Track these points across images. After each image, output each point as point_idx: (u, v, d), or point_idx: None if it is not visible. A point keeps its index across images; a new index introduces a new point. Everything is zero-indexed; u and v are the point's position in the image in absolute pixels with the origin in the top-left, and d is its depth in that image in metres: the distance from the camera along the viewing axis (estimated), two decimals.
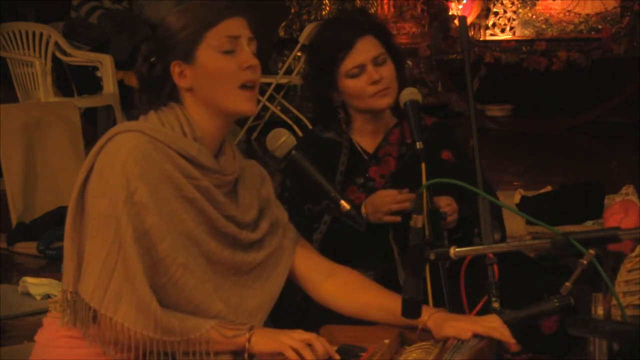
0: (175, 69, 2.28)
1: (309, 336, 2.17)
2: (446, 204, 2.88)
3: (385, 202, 2.90)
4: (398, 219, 2.87)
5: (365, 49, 3.01)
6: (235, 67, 2.27)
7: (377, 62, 3.01)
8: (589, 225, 5.11)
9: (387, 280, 2.76)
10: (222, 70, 2.27)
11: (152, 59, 2.31)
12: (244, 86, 2.29)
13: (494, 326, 2.16)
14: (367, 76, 3.00)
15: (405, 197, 2.87)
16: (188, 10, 2.30)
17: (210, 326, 2.17)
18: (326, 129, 3.13)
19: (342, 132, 3.10)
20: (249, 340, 2.17)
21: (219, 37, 2.27)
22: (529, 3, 9.36)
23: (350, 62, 3.01)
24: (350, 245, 2.93)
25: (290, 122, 8.32)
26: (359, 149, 3.10)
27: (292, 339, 2.16)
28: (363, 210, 2.94)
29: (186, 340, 2.15)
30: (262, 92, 8.30)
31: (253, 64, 2.29)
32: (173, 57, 2.28)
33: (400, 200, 2.86)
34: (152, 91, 2.31)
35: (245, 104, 2.30)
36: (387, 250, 2.98)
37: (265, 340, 2.17)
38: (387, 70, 3.02)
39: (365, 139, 3.10)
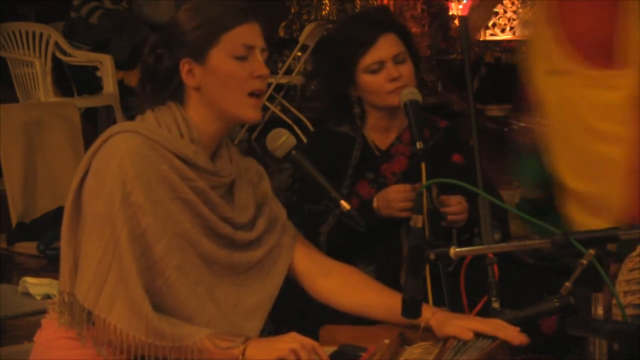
0: (185, 66, 2.27)
1: (302, 340, 2.16)
2: (457, 203, 2.90)
3: (400, 197, 2.91)
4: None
5: (387, 46, 3.05)
6: (246, 74, 2.27)
7: (397, 60, 3.05)
8: None
9: (388, 276, 2.77)
10: (232, 75, 2.26)
11: (159, 50, 2.30)
12: (252, 94, 2.29)
13: (498, 326, 2.16)
14: (386, 73, 3.03)
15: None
16: (202, 8, 2.29)
17: (205, 335, 2.14)
18: (340, 123, 3.16)
19: (356, 128, 3.13)
20: (243, 352, 2.14)
21: (233, 42, 2.26)
22: (529, 3, 9.36)
23: (370, 57, 3.04)
24: (357, 240, 2.94)
25: (290, 122, 8.32)
26: (372, 145, 3.13)
27: (287, 342, 2.14)
28: (375, 204, 2.97)
29: (178, 347, 2.13)
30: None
31: (264, 73, 2.29)
32: (183, 54, 2.26)
33: (414, 197, 2.87)
34: (157, 84, 2.30)
35: (250, 112, 2.29)
36: (389, 246, 2.99)
37: (260, 351, 2.13)
38: (406, 69, 3.06)
39: (379, 136, 3.13)
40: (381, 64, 3.03)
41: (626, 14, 3.59)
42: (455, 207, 2.90)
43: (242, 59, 2.27)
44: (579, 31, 3.26)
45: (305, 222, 2.94)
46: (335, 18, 9.75)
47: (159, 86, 2.30)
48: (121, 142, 2.20)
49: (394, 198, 2.93)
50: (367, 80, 3.05)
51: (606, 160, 3.14)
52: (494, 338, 2.15)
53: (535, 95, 3.34)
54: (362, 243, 2.98)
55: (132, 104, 2.37)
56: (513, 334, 2.14)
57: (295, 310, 2.95)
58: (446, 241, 2.85)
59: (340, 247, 2.86)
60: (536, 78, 3.40)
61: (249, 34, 2.28)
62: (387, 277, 2.73)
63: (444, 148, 3.09)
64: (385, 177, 3.08)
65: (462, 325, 2.18)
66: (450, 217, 2.91)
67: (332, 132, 3.15)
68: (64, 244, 2.23)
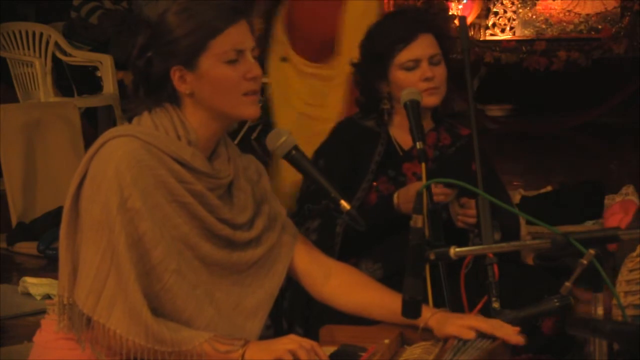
0: (176, 73, 2.25)
1: (301, 341, 2.16)
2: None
3: None
4: None
5: (425, 46, 3.07)
6: (239, 76, 2.25)
7: (432, 61, 3.07)
8: (589, 225, 5.11)
9: (394, 274, 2.76)
10: (225, 80, 2.24)
11: (149, 54, 2.27)
12: (246, 94, 2.28)
13: (497, 324, 2.16)
14: (420, 72, 3.05)
15: (442, 190, 2.89)
16: (191, 12, 2.25)
17: (204, 339, 2.14)
18: (366, 117, 3.17)
19: (382, 124, 3.15)
20: (242, 356, 2.14)
21: (223, 47, 2.23)
22: (529, 3, 9.35)
23: (407, 54, 3.06)
24: (374, 231, 2.93)
25: None
26: (396, 143, 3.14)
27: (285, 344, 2.14)
28: (395, 200, 2.98)
29: (178, 352, 2.13)
30: (262, 92, 8.28)
31: (257, 74, 2.27)
32: (174, 62, 2.24)
33: (437, 193, 2.88)
34: (150, 88, 2.28)
35: (249, 109, 2.29)
36: (396, 244, 2.99)
37: (259, 353, 2.14)
38: (440, 71, 3.08)
39: (403, 135, 3.13)
40: (417, 63, 3.05)
41: (345, 13, 4.42)
42: (475, 210, 2.91)
43: (233, 62, 2.25)
44: (302, 28, 3.78)
45: (322, 212, 2.97)
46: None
47: (152, 90, 2.28)
48: (118, 147, 2.19)
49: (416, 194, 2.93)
50: (400, 76, 3.06)
51: (317, 135, 3.58)
52: (494, 338, 2.15)
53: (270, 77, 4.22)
54: (378, 237, 2.99)
55: (126, 106, 2.36)
56: (510, 333, 2.14)
57: (301, 310, 2.96)
58: (459, 243, 2.85)
59: (356, 239, 2.88)
60: (272, 63, 4.24)
61: (238, 35, 2.26)
62: (394, 276, 2.73)
63: (465, 155, 3.10)
64: (406, 176, 3.09)
65: (462, 324, 2.18)
66: (470, 220, 2.93)
67: (357, 125, 3.17)
68: (62, 249, 2.22)
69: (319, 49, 4.82)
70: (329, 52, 4.98)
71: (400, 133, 3.14)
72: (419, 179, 3.07)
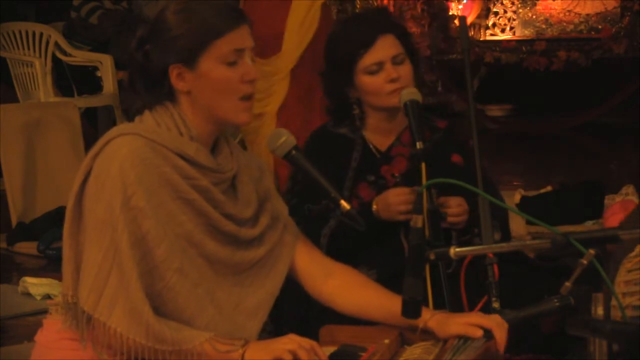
0: (174, 71, 2.25)
1: (301, 341, 2.16)
2: (457, 204, 2.90)
3: (400, 200, 2.91)
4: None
5: (386, 47, 3.04)
6: (237, 79, 2.26)
7: (395, 61, 3.05)
8: (589, 225, 5.10)
9: (390, 280, 2.76)
10: (224, 81, 2.25)
11: (147, 46, 2.27)
12: (243, 98, 2.28)
13: (497, 322, 2.16)
14: (385, 74, 3.03)
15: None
16: (191, 12, 2.25)
17: (204, 339, 2.15)
18: (339, 124, 3.15)
19: (355, 129, 3.13)
20: (242, 356, 2.14)
21: (224, 48, 2.24)
22: (529, 3, 9.35)
23: (369, 58, 3.03)
24: (357, 242, 2.93)
25: None
26: (371, 147, 3.13)
27: (285, 344, 2.15)
28: (374, 207, 2.97)
29: (178, 351, 2.13)
30: None
31: (254, 77, 2.28)
32: (173, 59, 2.24)
33: (413, 199, 2.86)
34: (148, 83, 2.28)
35: (242, 115, 2.29)
36: (390, 249, 2.98)
37: (259, 353, 2.14)
38: (405, 70, 3.05)
39: (378, 138, 3.12)
40: (380, 65, 3.03)
41: (290, 13, 4.75)
42: (455, 208, 2.90)
43: (232, 64, 2.25)
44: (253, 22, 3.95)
45: (305, 223, 2.94)
46: (335, 18, 9.74)
47: (150, 86, 2.28)
48: (122, 145, 2.19)
49: (393, 201, 2.92)
50: (366, 81, 3.04)
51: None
52: (489, 337, 2.15)
53: None
54: (363, 246, 2.98)
55: (122, 99, 2.36)
56: (500, 338, 2.14)
57: (296, 313, 2.95)
58: (446, 242, 2.84)
59: (341, 250, 2.86)
60: None
61: (239, 37, 2.26)
62: (389, 281, 2.72)
63: (443, 148, 3.09)
64: (385, 179, 3.07)
65: (464, 322, 2.18)
66: (450, 219, 2.91)
67: (331, 134, 3.15)
68: (65, 248, 2.23)
69: (266, 45, 4.97)
70: (276, 49, 5.16)
71: (375, 136, 3.12)
72: (398, 180, 3.06)
